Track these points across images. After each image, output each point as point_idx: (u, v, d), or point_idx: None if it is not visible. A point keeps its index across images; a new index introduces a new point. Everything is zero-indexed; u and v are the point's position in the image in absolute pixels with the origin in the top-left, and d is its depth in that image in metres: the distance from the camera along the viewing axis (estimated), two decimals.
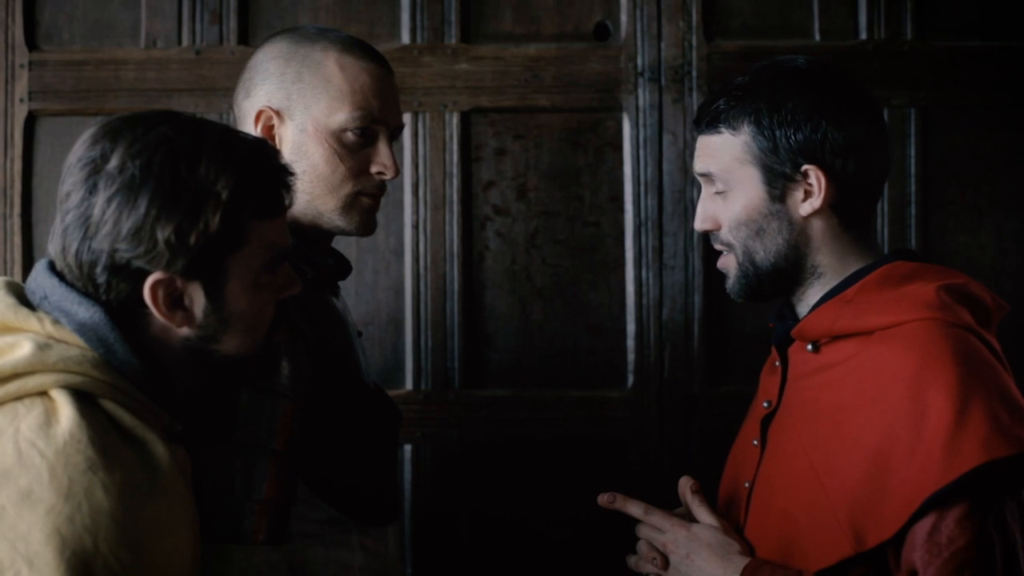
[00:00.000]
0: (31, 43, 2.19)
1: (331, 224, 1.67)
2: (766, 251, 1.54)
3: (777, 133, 1.51)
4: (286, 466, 1.51)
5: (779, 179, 1.52)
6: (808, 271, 1.56)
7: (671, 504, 1.58)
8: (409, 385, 2.21)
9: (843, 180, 1.52)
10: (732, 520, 1.57)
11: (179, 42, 2.21)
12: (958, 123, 2.22)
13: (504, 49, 2.23)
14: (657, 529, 1.53)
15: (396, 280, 2.22)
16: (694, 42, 2.21)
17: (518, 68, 2.22)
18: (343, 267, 1.76)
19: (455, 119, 2.21)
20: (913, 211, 2.20)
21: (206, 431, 1.39)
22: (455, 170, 2.21)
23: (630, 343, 2.22)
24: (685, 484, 1.55)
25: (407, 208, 2.21)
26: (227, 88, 2.10)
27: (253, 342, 1.34)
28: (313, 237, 1.67)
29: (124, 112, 1.33)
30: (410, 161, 2.20)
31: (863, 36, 2.22)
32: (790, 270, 1.55)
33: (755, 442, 1.59)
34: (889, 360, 1.45)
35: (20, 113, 2.18)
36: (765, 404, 1.61)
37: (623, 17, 2.23)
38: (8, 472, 1.18)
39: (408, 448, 2.20)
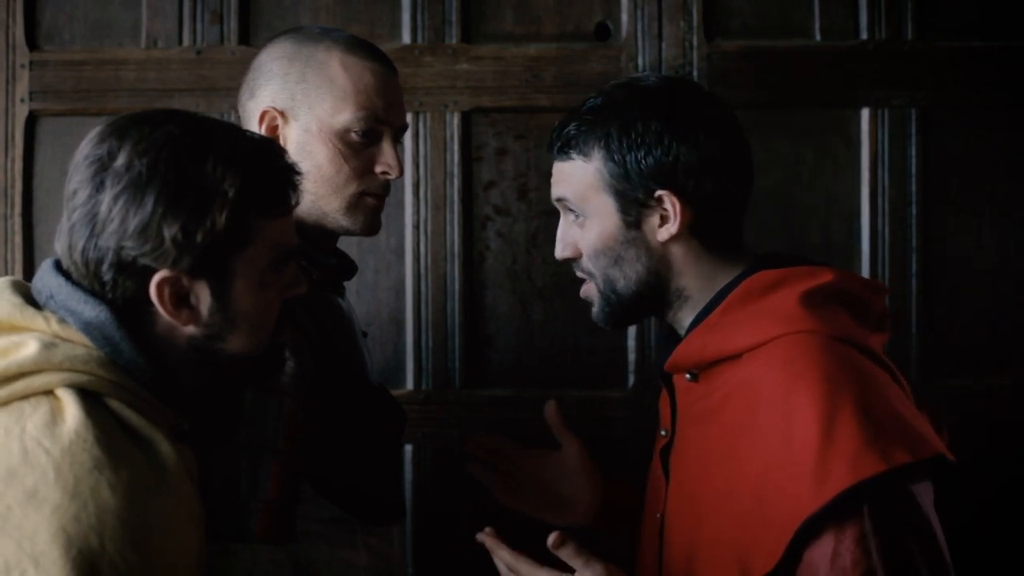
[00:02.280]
0: (32, 43, 2.18)
1: (336, 224, 1.67)
2: (626, 279, 1.49)
3: (628, 158, 1.45)
4: (290, 465, 1.51)
5: (633, 205, 1.46)
6: (673, 295, 1.50)
7: None
8: (410, 385, 2.21)
9: (700, 202, 1.46)
10: (651, 551, 1.51)
11: (180, 42, 2.20)
12: (958, 123, 2.21)
13: (505, 49, 2.22)
14: None
15: (397, 280, 2.22)
16: (695, 42, 2.21)
17: (519, 68, 2.22)
18: (348, 267, 1.76)
19: (456, 119, 2.21)
20: (914, 211, 2.20)
21: (211, 430, 1.39)
22: (456, 170, 2.21)
23: (631, 343, 2.22)
24: (551, 540, 1.38)
25: (408, 208, 2.21)
26: (228, 88, 2.10)
27: (258, 341, 1.34)
28: (317, 237, 1.67)
29: (125, 112, 1.33)
30: (411, 161, 2.20)
31: (863, 36, 2.22)
32: (653, 297, 1.50)
33: (660, 472, 1.54)
34: (758, 383, 1.39)
35: (21, 113, 2.17)
36: (663, 433, 1.56)
37: (624, 17, 2.23)
38: (14, 471, 1.18)
39: (409, 448, 2.19)
